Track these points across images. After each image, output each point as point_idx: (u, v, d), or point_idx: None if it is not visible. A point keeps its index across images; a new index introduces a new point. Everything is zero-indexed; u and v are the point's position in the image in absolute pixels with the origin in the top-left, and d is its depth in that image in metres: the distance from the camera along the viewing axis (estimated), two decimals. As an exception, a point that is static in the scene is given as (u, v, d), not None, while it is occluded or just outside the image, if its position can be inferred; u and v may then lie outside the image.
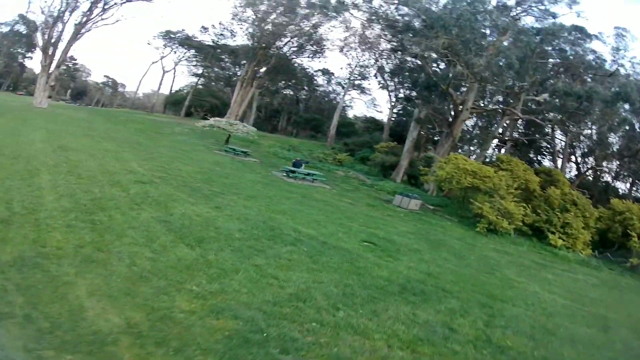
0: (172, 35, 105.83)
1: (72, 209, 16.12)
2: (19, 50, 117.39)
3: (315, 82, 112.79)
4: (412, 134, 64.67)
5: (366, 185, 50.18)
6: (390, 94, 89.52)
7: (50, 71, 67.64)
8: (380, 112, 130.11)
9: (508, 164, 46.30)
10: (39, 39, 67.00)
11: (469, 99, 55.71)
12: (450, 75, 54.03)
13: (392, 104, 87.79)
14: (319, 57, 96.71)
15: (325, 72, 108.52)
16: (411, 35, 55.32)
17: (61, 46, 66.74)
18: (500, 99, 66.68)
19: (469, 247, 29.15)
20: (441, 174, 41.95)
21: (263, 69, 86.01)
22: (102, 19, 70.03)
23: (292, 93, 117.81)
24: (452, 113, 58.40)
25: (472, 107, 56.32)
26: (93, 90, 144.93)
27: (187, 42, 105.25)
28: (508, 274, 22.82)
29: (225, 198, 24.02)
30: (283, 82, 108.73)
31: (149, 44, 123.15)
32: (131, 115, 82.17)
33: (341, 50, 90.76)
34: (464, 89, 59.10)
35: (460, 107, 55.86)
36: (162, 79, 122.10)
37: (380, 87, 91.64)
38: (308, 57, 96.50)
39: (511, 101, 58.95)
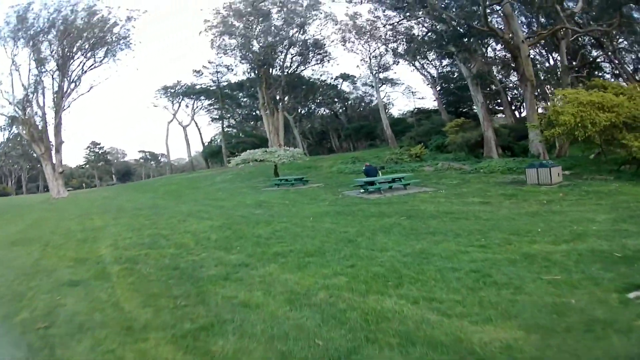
0: (171, 90, 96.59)
1: None
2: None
3: (339, 89, 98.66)
4: (477, 97, 50.67)
5: (470, 173, 35.52)
6: (424, 72, 77.05)
7: (52, 159, 57.56)
8: (422, 97, 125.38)
9: (619, 88, 32.01)
10: (23, 130, 58.82)
11: (516, 29, 42.17)
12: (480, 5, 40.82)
13: (434, 79, 76.55)
14: (328, 62, 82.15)
15: (345, 76, 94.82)
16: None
17: (51, 130, 57.90)
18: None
19: None
20: (566, 120, 26.94)
21: (278, 90, 73.89)
22: (77, 92, 61.77)
23: (327, 111, 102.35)
24: (509, 55, 45.87)
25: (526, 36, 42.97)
26: (136, 167, 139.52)
27: (190, 91, 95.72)
28: None
29: (251, 275, 11.60)
30: (309, 98, 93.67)
31: (155, 106, 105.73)
32: (169, 179, 69.80)
33: (344, 44, 74.67)
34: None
35: (511, 40, 42.72)
36: (185, 136, 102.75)
37: (414, 68, 78.97)
38: (317, 63, 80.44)
39: (552, 21, 46.42)
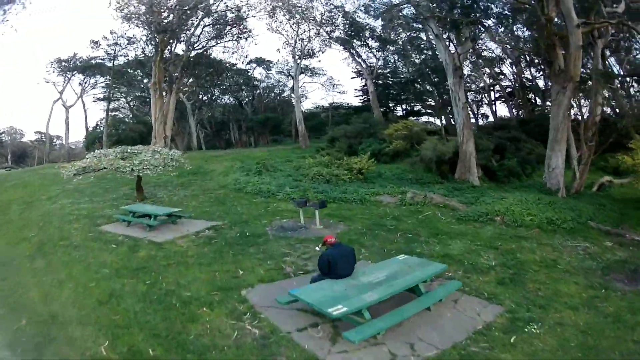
0: (65, 64, 69.74)
1: None
2: None
3: (251, 74, 77.75)
4: (458, 95, 32.54)
5: (476, 220, 20.13)
6: (360, 60, 59.49)
7: None
8: (343, 92, 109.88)
9: None
10: None
11: (569, 9, 25.37)
12: None
13: (371, 70, 58.37)
14: (246, 39, 58.60)
15: (260, 61, 74.22)
16: None
17: None
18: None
19: None
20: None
21: (178, 67, 52.11)
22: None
23: (232, 99, 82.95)
24: (549, 42, 27.59)
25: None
26: (32, 150, 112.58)
27: (82, 66, 69.44)
28: None
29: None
30: (215, 83, 72.45)
31: (46, 82, 72.93)
32: (31, 173, 43.62)
33: (271, 18, 55.83)
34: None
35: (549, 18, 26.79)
36: (66, 118, 73.98)
37: (347, 56, 61.20)
38: (233, 39, 57.84)
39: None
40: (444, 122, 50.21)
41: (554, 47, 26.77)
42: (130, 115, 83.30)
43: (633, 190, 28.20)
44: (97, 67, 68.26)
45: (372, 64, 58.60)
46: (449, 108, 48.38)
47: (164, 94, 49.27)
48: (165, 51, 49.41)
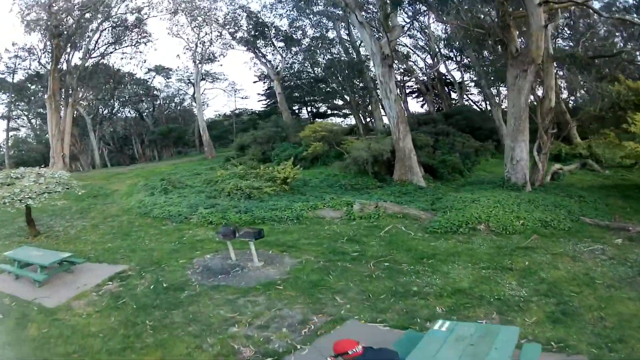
0: None
1: None
2: None
3: (150, 84, 71.53)
4: (389, 86, 27.45)
5: (453, 233, 16.06)
6: (265, 61, 53.27)
7: None
8: (246, 97, 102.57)
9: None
10: None
11: None
12: None
13: (277, 72, 51.94)
14: (146, 44, 53.80)
15: (160, 69, 67.99)
16: None
17: None
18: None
19: None
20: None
21: (74, 77, 45.44)
22: None
23: (133, 112, 75.39)
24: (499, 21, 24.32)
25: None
26: None
27: None
28: None
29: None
30: (114, 95, 64.91)
31: None
32: None
33: (171, 19, 50.84)
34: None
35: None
36: None
37: (252, 57, 54.98)
38: (133, 45, 52.71)
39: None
40: (351, 121, 46.42)
41: (509, 29, 23.43)
42: (32, 135, 74.83)
43: (586, 177, 27.39)
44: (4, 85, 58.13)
45: (278, 65, 53.48)
46: (368, 105, 45.48)
47: (61, 107, 42.85)
48: (62, 60, 43.55)
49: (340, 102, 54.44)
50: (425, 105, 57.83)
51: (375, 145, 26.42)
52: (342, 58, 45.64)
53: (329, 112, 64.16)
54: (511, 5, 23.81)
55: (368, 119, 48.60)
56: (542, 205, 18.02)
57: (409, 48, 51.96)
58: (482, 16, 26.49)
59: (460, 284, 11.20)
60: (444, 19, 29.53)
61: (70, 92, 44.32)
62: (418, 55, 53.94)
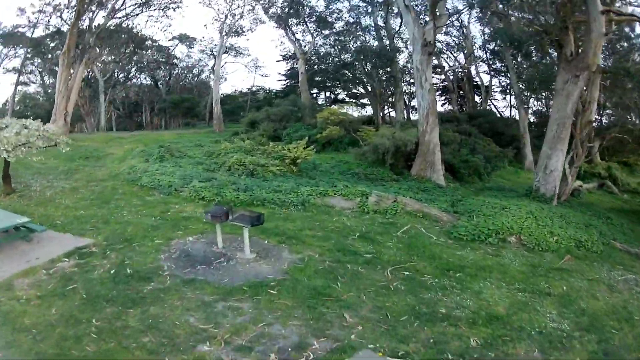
0: None
1: None
2: None
3: (171, 52, 68.10)
4: (424, 75, 25.27)
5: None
6: (294, 39, 50.18)
7: None
8: (266, 75, 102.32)
9: None
10: None
11: None
12: None
13: (303, 52, 48.65)
14: (175, 10, 50.61)
15: (184, 38, 64.68)
16: None
17: None
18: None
19: None
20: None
21: (92, 36, 41.66)
22: None
23: (148, 78, 72.37)
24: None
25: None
26: None
27: (9, 35, 54.65)
28: None
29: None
30: (132, 59, 62.33)
31: None
32: None
33: None
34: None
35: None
36: None
37: (282, 34, 52.25)
38: (161, 9, 48.49)
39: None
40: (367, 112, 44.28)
41: (567, 31, 21.83)
42: (42, 92, 71.63)
43: (604, 198, 26.80)
44: (18, 38, 55.59)
45: (306, 45, 51.08)
46: (390, 96, 44.50)
47: (73, 64, 39.68)
48: (85, 17, 40.45)
49: (361, 91, 51.78)
50: (447, 104, 55.79)
51: (399, 134, 24.29)
52: (374, 45, 44.13)
53: (347, 99, 61.64)
54: (572, 8, 22.14)
55: (386, 111, 46.37)
56: (574, 223, 16.26)
57: (442, 44, 49.19)
58: (541, 16, 24.44)
59: (496, 308, 9.05)
60: (503, 10, 27.34)
61: (87, 49, 41.17)
62: (451, 53, 51.68)
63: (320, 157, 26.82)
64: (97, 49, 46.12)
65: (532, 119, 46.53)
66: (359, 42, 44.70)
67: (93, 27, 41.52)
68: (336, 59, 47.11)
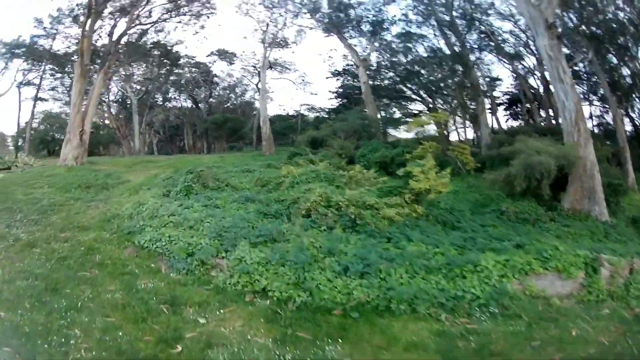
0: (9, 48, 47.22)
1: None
2: None
3: (210, 69, 60.07)
4: (560, 64, 17.81)
5: None
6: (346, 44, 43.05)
7: None
8: (315, 93, 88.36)
9: None
10: None
11: None
12: None
13: (364, 60, 41.34)
14: (208, 17, 41.47)
15: (223, 53, 57.05)
16: None
17: None
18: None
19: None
20: None
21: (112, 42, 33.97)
22: None
23: (188, 99, 64.34)
24: None
25: None
26: None
27: (31, 49, 46.36)
28: None
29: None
30: (168, 77, 55.76)
31: None
32: None
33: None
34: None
35: None
36: None
37: (339, 39, 43.37)
38: (192, 15, 40.27)
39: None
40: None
41: None
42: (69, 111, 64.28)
43: None
44: (40, 52, 47.16)
45: (366, 52, 43.37)
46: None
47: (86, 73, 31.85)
48: (106, 24, 33.57)
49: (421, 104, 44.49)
50: (512, 119, 48.22)
51: (553, 150, 15.49)
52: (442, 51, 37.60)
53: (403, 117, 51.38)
54: None
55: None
56: None
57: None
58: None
59: None
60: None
61: (107, 56, 32.86)
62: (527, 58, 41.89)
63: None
64: (121, 59, 39.00)
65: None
66: (426, 45, 38.52)
67: (114, 33, 34.10)
68: (400, 67, 40.39)
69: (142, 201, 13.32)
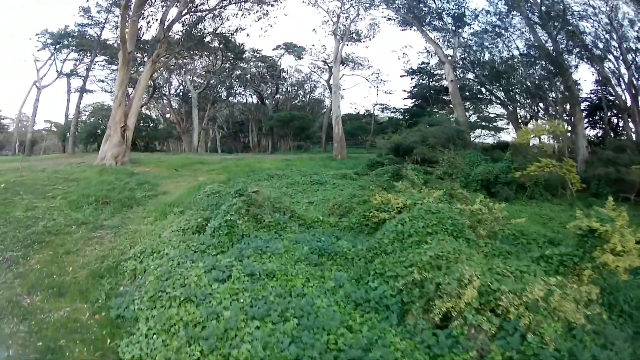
0: (53, 37, 44.82)
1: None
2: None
3: (278, 64, 55.92)
4: None
5: None
6: (428, 39, 38.07)
7: None
8: (390, 92, 79.55)
9: None
10: None
11: None
12: None
13: (449, 57, 36.60)
14: (273, 5, 35.08)
15: (291, 47, 53.19)
16: None
17: None
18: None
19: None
20: None
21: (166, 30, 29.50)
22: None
23: (253, 96, 60.62)
24: None
25: None
26: (37, 139, 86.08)
27: (80, 39, 43.62)
28: None
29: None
30: (232, 71, 52.56)
31: (37, 60, 44.09)
32: None
33: None
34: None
35: None
36: (36, 101, 47.63)
37: (421, 34, 38.69)
38: (250, 5, 34.62)
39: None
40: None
41: None
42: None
43: None
44: (90, 41, 43.98)
45: (452, 47, 38.00)
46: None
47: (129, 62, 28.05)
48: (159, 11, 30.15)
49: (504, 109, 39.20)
50: (591, 128, 39.66)
51: None
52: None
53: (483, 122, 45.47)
54: None
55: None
56: None
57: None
58: None
59: None
60: None
61: (156, 44, 29.21)
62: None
63: (535, 220, 13.53)
64: (173, 47, 33.53)
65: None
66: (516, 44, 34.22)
67: (166, 20, 30.18)
68: (486, 66, 36.00)
69: (157, 245, 8.85)
